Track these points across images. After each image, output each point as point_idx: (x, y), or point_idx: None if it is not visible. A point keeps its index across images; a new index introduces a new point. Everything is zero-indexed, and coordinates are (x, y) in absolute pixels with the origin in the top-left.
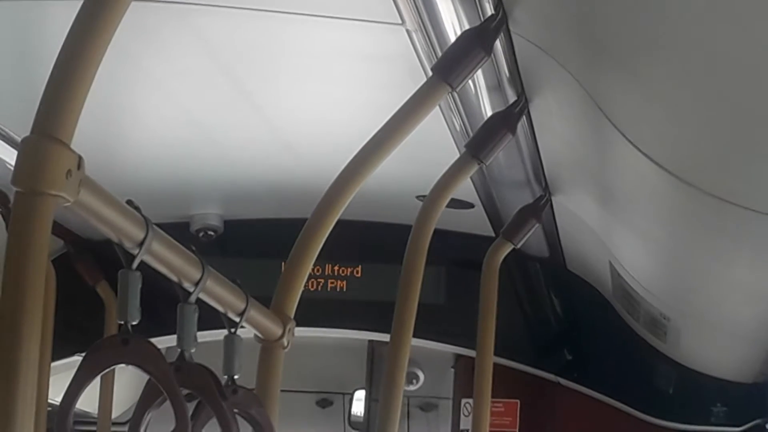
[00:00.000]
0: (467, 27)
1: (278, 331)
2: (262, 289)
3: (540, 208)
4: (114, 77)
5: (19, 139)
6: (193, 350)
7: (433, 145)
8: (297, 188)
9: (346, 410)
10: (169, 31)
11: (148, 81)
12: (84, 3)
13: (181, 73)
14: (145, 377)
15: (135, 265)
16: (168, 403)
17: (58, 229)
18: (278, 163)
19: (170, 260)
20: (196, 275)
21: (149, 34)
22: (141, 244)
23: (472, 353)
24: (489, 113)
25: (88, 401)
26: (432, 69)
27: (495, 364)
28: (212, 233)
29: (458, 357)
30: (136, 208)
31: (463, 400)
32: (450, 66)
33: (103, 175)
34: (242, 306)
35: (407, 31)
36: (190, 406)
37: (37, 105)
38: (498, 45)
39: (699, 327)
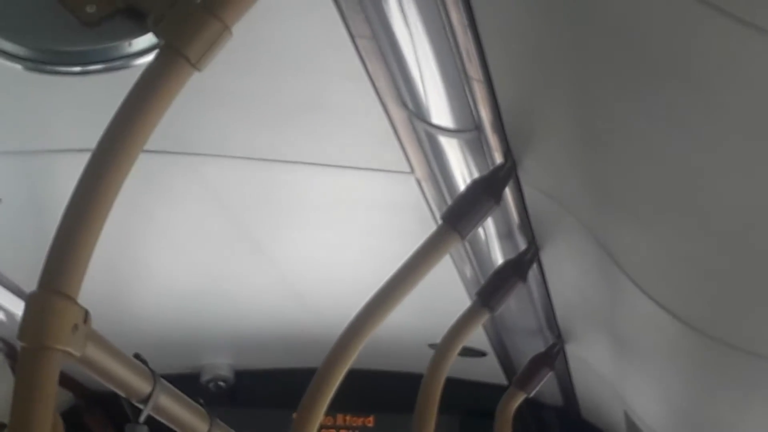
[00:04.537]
0: (477, 175)
1: None
2: None
3: (553, 357)
4: (123, 227)
5: (27, 291)
6: None
7: (444, 292)
8: (308, 338)
9: None
10: (177, 181)
11: (157, 231)
12: (93, 155)
13: (190, 224)
14: None
15: (142, 419)
16: None
17: (68, 382)
18: (288, 312)
19: (177, 414)
20: (204, 428)
21: (158, 184)
22: (148, 398)
23: None
24: (500, 260)
25: None
26: (441, 217)
27: None
28: (223, 383)
29: None
30: (144, 362)
31: None
32: (459, 214)
33: (112, 326)
34: None
35: (417, 179)
36: None
37: (44, 256)
38: (507, 193)
39: None
